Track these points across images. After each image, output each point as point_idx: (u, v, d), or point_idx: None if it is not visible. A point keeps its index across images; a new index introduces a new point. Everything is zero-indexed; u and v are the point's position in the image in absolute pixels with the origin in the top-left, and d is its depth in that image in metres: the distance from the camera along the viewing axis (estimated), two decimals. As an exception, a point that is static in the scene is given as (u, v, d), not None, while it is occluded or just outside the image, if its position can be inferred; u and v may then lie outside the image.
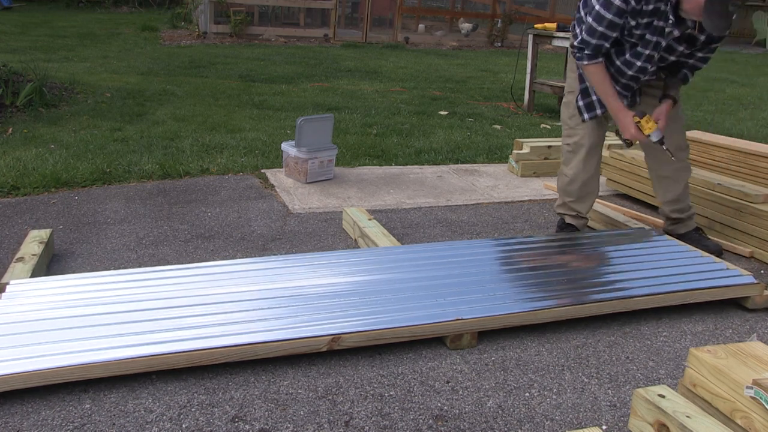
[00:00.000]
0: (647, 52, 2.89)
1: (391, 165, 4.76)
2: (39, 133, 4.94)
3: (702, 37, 2.91)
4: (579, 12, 3.10)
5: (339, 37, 12.48)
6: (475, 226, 3.67)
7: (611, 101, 3.01)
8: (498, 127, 6.22)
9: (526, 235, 3.55)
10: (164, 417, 1.94)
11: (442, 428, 1.96)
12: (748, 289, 2.79)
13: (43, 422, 1.89)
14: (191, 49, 10.33)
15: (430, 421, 1.99)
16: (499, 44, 13.54)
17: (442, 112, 6.68)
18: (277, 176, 4.30)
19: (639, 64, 2.94)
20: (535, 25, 7.01)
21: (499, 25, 13.68)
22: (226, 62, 9.06)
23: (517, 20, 13.76)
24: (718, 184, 3.59)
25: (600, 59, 2.95)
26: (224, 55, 9.82)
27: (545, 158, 4.70)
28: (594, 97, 3.16)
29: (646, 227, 3.32)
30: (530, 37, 6.98)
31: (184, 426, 1.91)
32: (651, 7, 2.74)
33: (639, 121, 3.01)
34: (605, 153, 4.37)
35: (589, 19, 2.87)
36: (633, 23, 2.83)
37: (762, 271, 3.24)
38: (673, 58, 3.00)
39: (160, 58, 9.16)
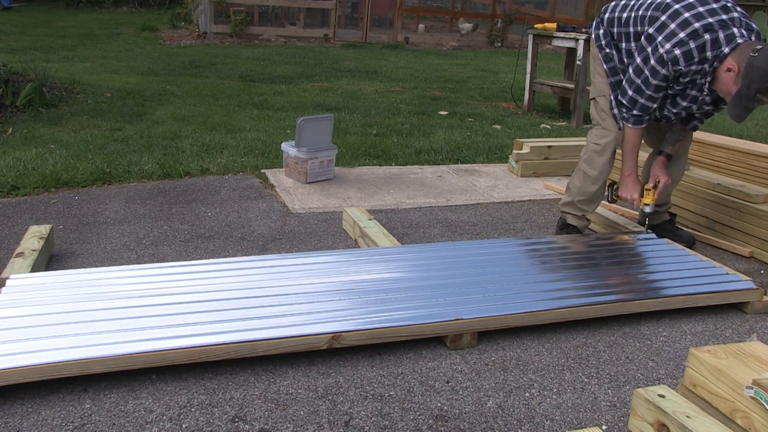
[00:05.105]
0: (684, 104, 3.03)
1: (391, 165, 4.76)
2: (39, 133, 4.94)
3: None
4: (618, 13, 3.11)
5: (339, 37, 12.48)
6: (475, 226, 3.67)
7: (630, 164, 3.17)
8: (498, 127, 6.22)
9: (527, 235, 3.55)
10: (164, 417, 1.94)
11: (442, 428, 1.96)
12: (748, 295, 2.79)
13: (43, 422, 1.89)
14: (191, 49, 10.33)
15: (430, 421, 1.99)
16: (499, 44, 13.54)
17: (442, 112, 6.68)
18: (277, 176, 4.30)
19: (674, 111, 3.07)
20: (535, 25, 7.01)
21: (499, 25, 13.68)
22: (226, 62, 9.06)
23: (517, 20, 13.77)
24: (718, 184, 3.59)
25: (643, 125, 3.09)
26: (224, 55, 9.82)
27: (545, 158, 4.70)
28: None
29: (647, 230, 3.32)
30: (530, 37, 6.98)
31: (184, 426, 1.91)
32: (687, 79, 2.87)
33: (649, 190, 3.18)
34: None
35: (638, 81, 2.94)
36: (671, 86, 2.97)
37: (762, 271, 3.24)
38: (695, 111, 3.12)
39: (160, 58, 9.16)
